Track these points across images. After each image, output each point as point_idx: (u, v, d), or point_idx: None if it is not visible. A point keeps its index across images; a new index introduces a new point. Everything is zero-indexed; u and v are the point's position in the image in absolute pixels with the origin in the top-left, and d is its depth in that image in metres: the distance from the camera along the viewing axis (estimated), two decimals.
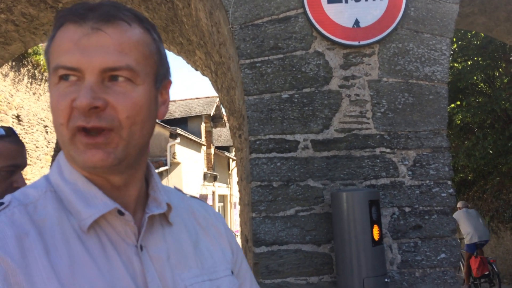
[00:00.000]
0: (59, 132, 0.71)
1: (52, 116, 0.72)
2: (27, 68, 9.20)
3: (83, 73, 0.69)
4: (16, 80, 8.80)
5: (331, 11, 2.99)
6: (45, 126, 9.94)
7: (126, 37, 0.71)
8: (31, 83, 9.39)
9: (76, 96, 0.68)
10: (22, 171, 1.52)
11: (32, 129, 9.33)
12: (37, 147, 9.52)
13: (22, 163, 1.49)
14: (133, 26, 0.73)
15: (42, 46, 9.35)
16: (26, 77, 9.18)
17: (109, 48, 0.69)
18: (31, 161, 9.06)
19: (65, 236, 0.69)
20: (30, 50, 8.81)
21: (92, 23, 0.69)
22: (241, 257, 0.93)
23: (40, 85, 9.78)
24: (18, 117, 8.78)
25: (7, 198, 0.71)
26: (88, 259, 0.69)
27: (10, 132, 1.49)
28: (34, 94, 9.51)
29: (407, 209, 2.91)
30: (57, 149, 10.31)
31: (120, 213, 0.74)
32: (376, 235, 2.64)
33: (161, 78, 0.78)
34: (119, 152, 0.70)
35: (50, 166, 9.98)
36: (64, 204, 0.73)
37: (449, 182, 2.96)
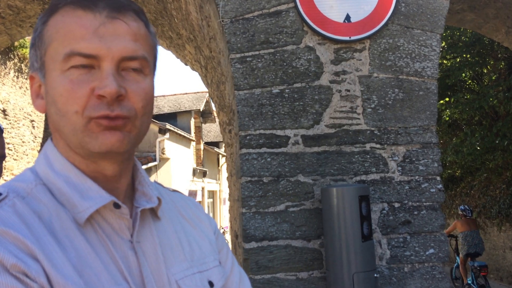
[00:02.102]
0: (70, 120, 0.68)
1: (58, 104, 0.69)
2: (13, 61, 9.06)
3: (100, 61, 0.68)
4: (2, 73, 8.67)
5: (322, 6, 2.98)
6: (32, 121, 9.82)
7: (137, 27, 0.72)
8: (17, 77, 9.26)
9: (96, 84, 0.67)
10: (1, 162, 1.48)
11: (18, 123, 9.21)
12: (23, 142, 9.40)
13: (1, 154, 1.44)
14: (139, 17, 0.74)
15: (28, 39, 9.22)
16: (12, 71, 9.04)
17: (126, 37, 0.70)
18: (17, 156, 8.94)
19: (65, 228, 0.68)
20: (16, 43, 8.67)
21: (107, 12, 0.69)
22: (226, 246, 0.93)
23: (26, 79, 9.64)
24: (4, 111, 8.65)
25: (2, 189, 0.68)
26: (91, 251, 0.68)
27: None
28: (20, 88, 9.38)
29: (396, 205, 2.92)
30: (43, 144, 10.19)
31: (116, 206, 0.72)
32: (365, 231, 2.64)
33: (155, 71, 0.79)
34: (132, 138, 0.71)
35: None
36: (56, 197, 0.71)
37: (438, 178, 2.98)
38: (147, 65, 0.73)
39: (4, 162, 1.50)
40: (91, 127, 0.68)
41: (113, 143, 0.68)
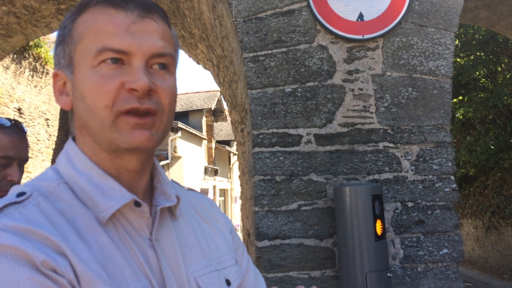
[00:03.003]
0: (98, 114, 0.70)
1: (87, 99, 0.70)
2: (28, 60, 9.18)
3: (131, 57, 0.70)
4: (18, 72, 8.79)
5: (335, 4, 2.97)
6: (47, 119, 9.94)
7: (164, 27, 0.75)
8: (32, 76, 9.37)
9: (127, 79, 0.69)
10: (23, 165, 1.49)
11: (33, 122, 9.33)
12: (38, 140, 9.52)
13: (18, 156, 1.45)
14: (165, 19, 0.76)
15: (43, 39, 9.32)
16: (27, 70, 9.16)
17: (155, 35, 0.72)
18: (32, 154, 9.06)
19: (88, 226, 0.69)
20: (31, 43, 8.78)
21: (138, 11, 0.71)
22: (242, 246, 0.94)
23: (41, 78, 9.76)
24: (19, 110, 8.77)
25: (26, 189, 0.70)
26: (114, 248, 0.69)
27: (12, 124, 1.46)
28: (35, 87, 9.50)
29: (410, 204, 2.91)
30: (58, 142, 10.31)
31: (137, 204, 0.73)
32: (379, 230, 2.64)
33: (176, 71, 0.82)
34: (159, 135, 0.73)
35: (52, 159, 9.96)
36: (78, 196, 0.72)
37: (452, 177, 2.95)
38: (173, 63, 0.76)
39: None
40: (119, 124, 0.69)
41: (142, 140, 0.70)
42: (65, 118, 10.83)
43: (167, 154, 12.73)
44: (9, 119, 1.47)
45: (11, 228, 0.62)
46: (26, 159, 1.49)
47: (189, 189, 0.95)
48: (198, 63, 5.19)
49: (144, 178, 0.79)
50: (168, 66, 0.74)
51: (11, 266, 0.59)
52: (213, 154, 18.68)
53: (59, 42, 0.76)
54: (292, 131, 2.92)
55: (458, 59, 10.65)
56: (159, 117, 0.72)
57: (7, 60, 8.25)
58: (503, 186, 10.65)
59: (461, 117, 11.02)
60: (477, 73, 10.73)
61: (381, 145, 2.94)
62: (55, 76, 0.78)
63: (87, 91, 0.70)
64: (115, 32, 0.70)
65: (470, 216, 11.80)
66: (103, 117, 0.70)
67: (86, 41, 0.71)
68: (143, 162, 0.76)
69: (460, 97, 10.58)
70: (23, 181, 1.40)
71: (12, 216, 0.64)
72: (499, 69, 11.03)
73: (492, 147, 9.99)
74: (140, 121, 0.69)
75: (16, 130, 1.47)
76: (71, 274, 0.62)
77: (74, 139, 0.79)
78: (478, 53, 10.19)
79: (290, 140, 2.91)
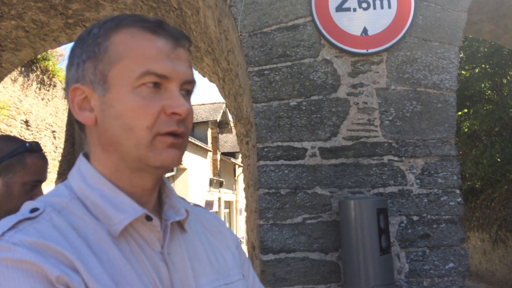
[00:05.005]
0: (137, 134, 0.72)
1: (127, 118, 0.73)
2: (36, 73, 9.28)
3: (169, 82, 0.74)
4: (25, 85, 8.88)
5: (339, 19, 3.00)
6: (53, 132, 10.01)
7: (190, 56, 0.81)
8: (39, 89, 9.47)
9: (167, 103, 0.73)
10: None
11: (40, 134, 9.40)
12: (45, 152, 9.56)
13: (44, 178, 1.54)
14: (190, 46, 0.82)
15: (51, 52, 9.43)
16: (34, 83, 9.26)
17: (186, 63, 0.78)
18: None
19: (100, 240, 0.70)
20: (39, 56, 8.89)
21: (174, 40, 0.76)
22: (247, 261, 0.95)
23: (48, 90, 9.85)
24: (26, 122, 8.84)
25: (38, 204, 0.71)
26: (126, 262, 0.70)
27: (37, 148, 1.54)
28: (42, 99, 9.59)
29: (415, 218, 2.90)
30: (64, 154, 10.37)
31: (148, 218, 0.75)
32: (384, 244, 2.63)
33: None
34: (182, 154, 0.78)
35: (58, 171, 9.98)
36: (91, 211, 0.74)
37: (458, 191, 2.95)
38: (193, 89, 0.81)
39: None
40: (156, 144, 0.73)
41: (174, 160, 0.74)
42: (71, 130, 10.90)
43: None
44: (32, 142, 1.55)
45: (26, 243, 0.63)
46: (45, 179, 1.57)
47: (195, 205, 0.97)
48: (204, 76, 5.24)
49: (155, 194, 0.81)
50: (192, 91, 0.80)
51: (27, 281, 0.60)
52: (218, 166, 18.68)
53: (88, 58, 0.76)
54: (296, 145, 2.93)
55: (463, 72, 10.66)
56: (186, 138, 0.78)
57: (15, 73, 8.35)
58: (510, 198, 10.56)
59: (467, 129, 10.98)
60: (483, 85, 10.72)
61: (385, 159, 2.94)
62: (74, 90, 0.77)
63: (127, 111, 0.73)
64: (158, 57, 0.74)
65: (477, 229, 11.69)
66: (141, 137, 0.72)
67: (128, 63, 0.73)
68: (158, 180, 0.79)
69: (466, 110, 10.56)
70: None
71: (26, 231, 0.65)
72: (505, 81, 11.02)
73: (499, 159, 9.93)
74: (176, 141, 0.74)
75: (43, 154, 1.56)
76: None
77: (85, 155, 0.81)
78: (483, 66, 10.19)
79: (295, 153, 2.92)
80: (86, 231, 0.70)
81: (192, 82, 0.78)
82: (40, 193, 1.49)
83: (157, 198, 0.82)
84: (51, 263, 0.62)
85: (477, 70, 10.42)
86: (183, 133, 0.75)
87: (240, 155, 4.79)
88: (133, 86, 0.73)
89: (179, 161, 0.75)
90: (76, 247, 0.67)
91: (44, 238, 0.65)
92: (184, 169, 13.66)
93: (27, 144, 1.49)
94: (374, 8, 3.02)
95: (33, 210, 0.70)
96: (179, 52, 0.77)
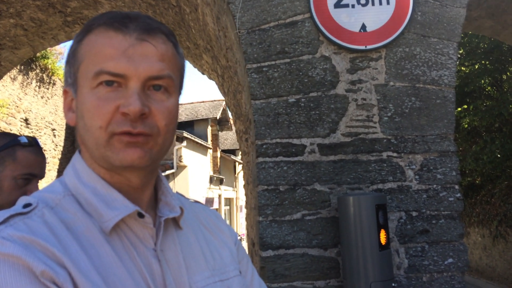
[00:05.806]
0: (94, 134, 0.73)
1: (85, 119, 0.73)
2: (35, 71, 9.28)
3: (127, 80, 0.72)
4: (25, 83, 8.88)
5: (338, 16, 3.00)
6: (53, 130, 10.02)
7: (165, 49, 0.76)
8: (39, 87, 9.47)
9: (121, 102, 0.71)
10: (38, 182, 1.56)
11: (40, 132, 9.40)
12: (44, 150, 9.59)
13: (39, 174, 1.52)
14: (169, 39, 0.77)
15: (50, 50, 9.43)
16: (34, 81, 9.26)
17: (153, 58, 0.73)
18: None
19: (92, 237, 0.71)
20: (38, 54, 8.89)
21: (137, 34, 0.73)
22: (246, 257, 0.95)
23: (48, 88, 9.85)
24: (26, 120, 8.85)
25: (32, 200, 0.72)
26: (117, 259, 0.71)
27: (33, 142, 1.53)
28: (42, 97, 9.59)
29: (414, 214, 2.91)
30: (64, 152, 10.38)
31: (140, 215, 0.75)
32: (383, 240, 2.64)
33: (181, 90, 0.83)
34: (154, 154, 0.74)
35: (58, 169, 10.01)
36: (84, 208, 0.74)
37: (457, 187, 2.95)
38: (172, 84, 0.77)
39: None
40: (113, 143, 0.72)
41: (134, 159, 0.72)
42: (71, 128, 10.91)
43: (172, 163, 12.77)
44: (27, 137, 1.53)
45: (15, 237, 0.64)
46: (43, 176, 1.55)
47: (195, 201, 0.97)
48: (203, 73, 5.24)
49: (147, 192, 0.81)
50: (166, 87, 0.76)
51: (12, 275, 0.61)
52: (219, 163, 18.70)
53: (66, 62, 0.79)
54: (295, 141, 2.93)
55: (463, 68, 10.65)
56: (154, 139, 0.74)
57: (14, 71, 8.35)
58: (510, 194, 10.57)
59: (467, 125, 10.99)
60: (482, 81, 10.72)
61: (384, 155, 2.95)
62: (65, 92, 0.81)
63: (85, 112, 0.73)
64: (112, 56, 0.72)
65: (477, 225, 11.71)
66: (97, 137, 0.72)
67: (87, 63, 0.74)
68: (143, 178, 0.78)
69: (466, 106, 10.56)
70: None
71: (16, 226, 0.66)
72: (504, 77, 11.01)
73: (499, 155, 9.94)
74: (133, 140, 0.71)
75: (39, 148, 1.53)
76: (70, 285, 0.64)
77: (80, 152, 0.82)
78: (483, 62, 10.18)
79: (293, 150, 2.92)
80: (78, 227, 0.71)
81: (161, 78, 0.74)
82: (36, 189, 1.48)
83: (153, 195, 0.83)
84: (38, 258, 0.63)
85: (477, 66, 10.42)
86: (142, 133, 0.71)
87: (240, 152, 4.80)
88: (91, 87, 0.73)
89: (143, 160, 0.72)
90: (65, 243, 0.67)
91: (33, 233, 0.66)
92: (185, 167, 13.67)
93: (19, 138, 1.48)
94: (373, 4, 3.02)
95: (26, 205, 0.71)
96: (143, 47, 0.73)
